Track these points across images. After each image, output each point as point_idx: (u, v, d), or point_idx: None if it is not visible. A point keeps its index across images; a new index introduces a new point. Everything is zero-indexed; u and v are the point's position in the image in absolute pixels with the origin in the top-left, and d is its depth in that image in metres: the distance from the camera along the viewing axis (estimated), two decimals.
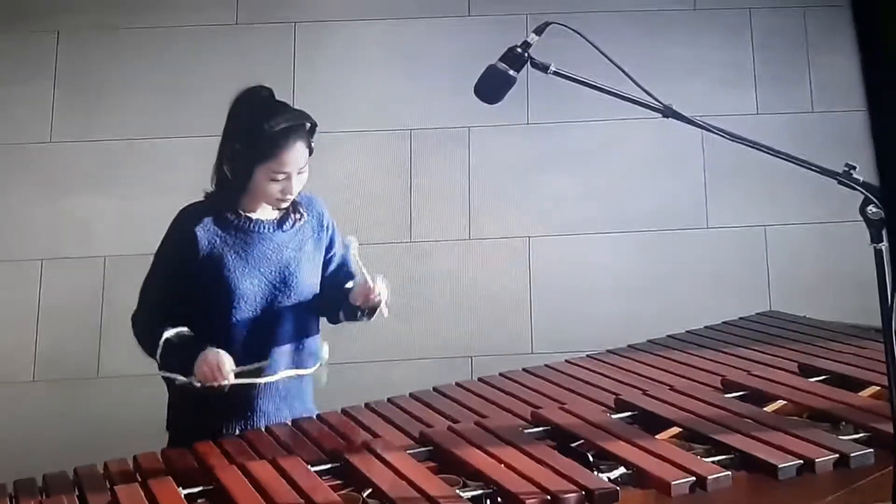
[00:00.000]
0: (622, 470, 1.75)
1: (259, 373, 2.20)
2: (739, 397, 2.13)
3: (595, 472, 1.74)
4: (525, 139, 3.69)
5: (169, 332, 2.15)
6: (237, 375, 2.14)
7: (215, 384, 2.12)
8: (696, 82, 3.72)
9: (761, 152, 1.68)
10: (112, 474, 1.97)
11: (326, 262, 2.35)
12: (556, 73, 1.73)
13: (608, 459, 1.80)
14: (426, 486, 1.71)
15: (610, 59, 1.72)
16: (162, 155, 3.51)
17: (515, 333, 3.59)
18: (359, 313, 2.30)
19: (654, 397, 2.13)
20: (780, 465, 1.71)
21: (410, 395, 2.32)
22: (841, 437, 1.84)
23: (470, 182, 3.66)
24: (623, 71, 1.68)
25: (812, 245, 3.72)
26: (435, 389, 2.35)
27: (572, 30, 1.72)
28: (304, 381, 2.30)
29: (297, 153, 2.16)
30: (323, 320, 2.36)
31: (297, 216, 2.29)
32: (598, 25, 3.65)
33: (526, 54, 1.76)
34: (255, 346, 2.21)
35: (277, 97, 2.23)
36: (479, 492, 1.70)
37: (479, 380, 2.44)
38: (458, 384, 2.40)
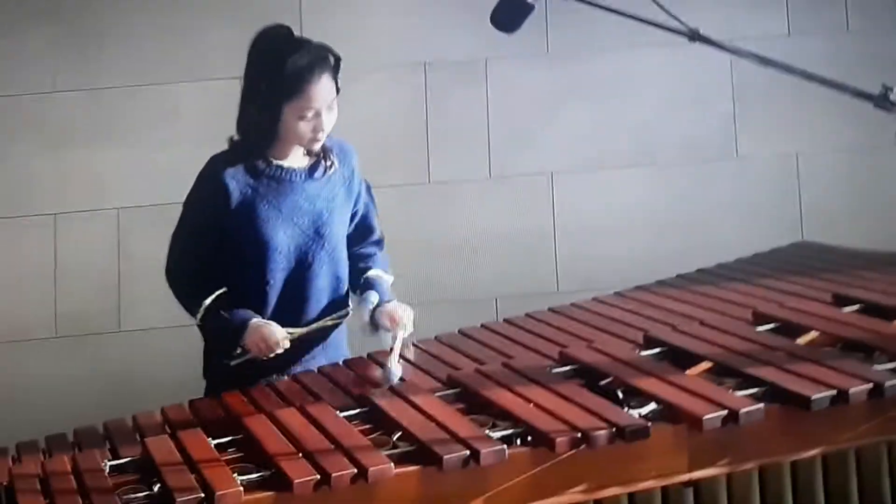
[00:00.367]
0: (652, 406, 1.82)
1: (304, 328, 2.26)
2: (771, 330, 2.19)
3: (625, 409, 1.82)
4: (545, 70, 3.70)
5: (208, 299, 2.23)
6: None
7: (271, 355, 2.20)
8: (724, 4, 3.70)
9: (793, 76, 1.70)
10: (141, 427, 2.07)
11: (351, 216, 2.39)
12: None
13: (638, 396, 1.87)
14: (456, 427, 1.78)
15: None
16: (169, 101, 3.54)
17: (540, 273, 3.64)
18: (371, 323, 2.32)
19: (683, 332, 2.20)
20: (812, 397, 1.78)
21: (436, 338, 2.39)
22: (875, 366, 1.90)
23: (489, 117, 3.68)
24: None
25: (846, 172, 3.73)
26: (461, 332, 2.42)
27: None
28: (339, 329, 2.38)
29: (324, 88, 2.19)
30: None
31: (329, 163, 2.32)
32: None
33: None
34: (290, 299, 2.28)
35: None
36: (509, 431, 1.78)
37: (505, 321, 2.51)
38: (483, 326, 2.47)
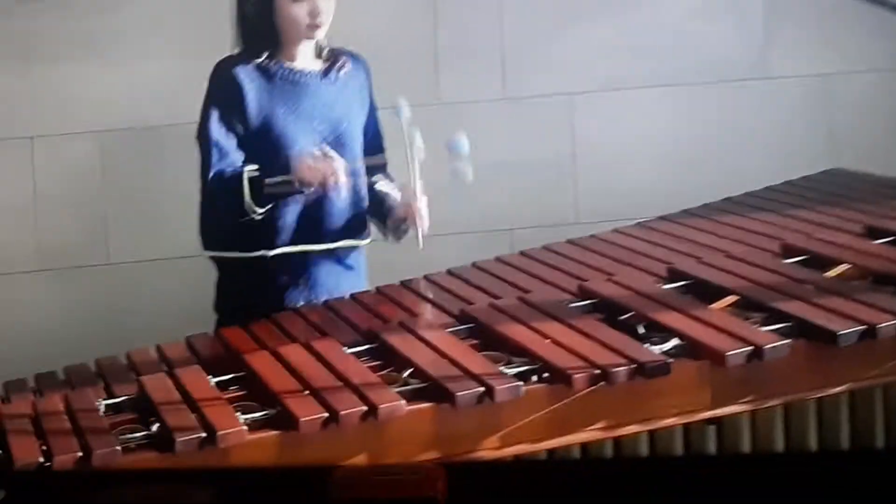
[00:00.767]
0: (675, 342, 1.90)
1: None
2: (800, 262, 2.26)
3: (645, 345, 1.90)
4: None
5: (248, 168, 2.28)
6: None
7: (332, 184, 2.26)
8: None
9: None
10: (136, 365, 2.15)
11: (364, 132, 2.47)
12: None
13: (659, 331, 1.95)
14: (469, 363, 1.87)
15: None
16: (150, 10, 3.53)
17: (559, 202, 3.67)
18: (388, 229, 2.44)
19: (708, 265, 2.28)
20: (840, 332, 1.85)
21: (448, 271, 2.47)
22: None
23: (503, 31, 3.68)
24: None
25: (885, 95, 3.74)
26: (474, 265, 2.50)
27: None
28: (360, 253, 2.47)
29: None
30: None
31: (340, 63, 2.42)
32: None
33: None
34: (311, 213, 2.37)
35: None
36: (525, 368, 1.86)
37: (521, 253, 2.59)
38: (498, 259, 2.54)
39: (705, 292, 2.14)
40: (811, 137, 3.74)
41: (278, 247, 2.38)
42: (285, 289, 2.40)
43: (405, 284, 2.42)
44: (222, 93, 2.37)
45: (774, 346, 1.85)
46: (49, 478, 1.70)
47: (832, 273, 2.18)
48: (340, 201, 2.40)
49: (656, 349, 1.89)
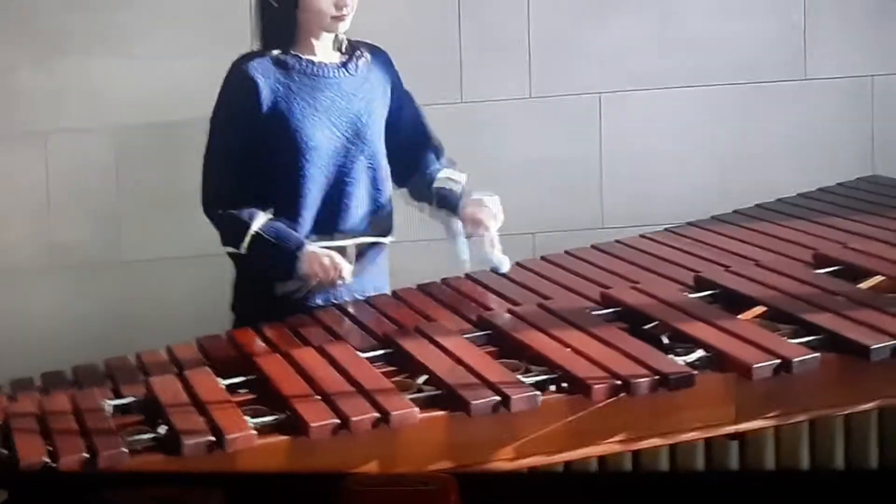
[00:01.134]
0: (700, 353, 1.90)
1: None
2: (832, 273, 2.26)
3: (669, 356, 1.91)
4: None
5: (255, 224, 2.33)
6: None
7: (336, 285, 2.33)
8: None
9: None
10: (145, 365, 2.18)
11: (395, 123, 2.49)
12: None
13: (685, 342, 1.95)
14: (486, 371, 1.88)
15: None
16: (165, 6, 3.56)
17: (584, 206, 3.67)
18: (451, 219, 2.46)
19: (737, 274, 2.28)
20: (872, 346, 1.85)
21: (466, 275, 2.48)
22: None
23: (530, 27, 3.69)
24: None
25: None
26: (493, 270, 2.51)
27: None
28: (381, 252, 2.50)
29: None
30: None
31: (359, 54, 2.45)
32: None
33: None
34: (329, 209, 2.40)
35: None
36: (544, 377, 1.87)
37: (543, 258, 2.60)
38: (518, 264, 2.54)
39: (733, 302, 2.15)
40: (849, 143, 3.72)
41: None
42: (308, 293, 2.39)
43: (422, 288, 2.44)
44: (235, 90, 2.40)
45: (803, 360, 1.85)
46: (54, 478, 1.72)
47: (866, 284, 2.18)
48: (359, 196, 2.43)
49: (680, 360, 1.89)
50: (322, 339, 2.16)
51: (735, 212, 2.82)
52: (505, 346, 2.05)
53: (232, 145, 2.41)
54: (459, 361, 1.95)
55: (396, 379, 1.95)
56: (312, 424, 1.75)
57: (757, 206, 2.87)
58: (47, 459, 1.74)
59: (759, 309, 2.09)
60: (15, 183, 3.54)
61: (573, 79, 3.67)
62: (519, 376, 1.88)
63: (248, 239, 2.35)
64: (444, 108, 3.53)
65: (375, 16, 2.49)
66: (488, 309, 2.26)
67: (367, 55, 2.47)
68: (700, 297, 2.20)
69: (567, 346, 1.97)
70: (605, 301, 2.21)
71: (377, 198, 2.47)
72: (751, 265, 2.35)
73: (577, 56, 3.66)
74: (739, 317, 2.06)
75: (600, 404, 1.81)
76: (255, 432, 1.76)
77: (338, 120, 2.41)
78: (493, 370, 1.90)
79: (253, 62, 2.40)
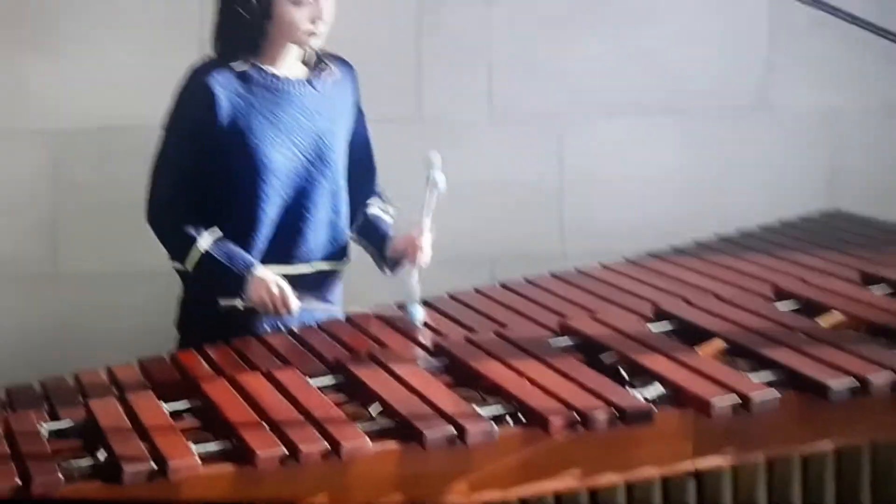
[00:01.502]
0: (658, 387, 1.94)
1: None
2: (792, 308, 2.32)
3: (628, 389, 1.94)
4: None
5: (203, 242, 2.31)
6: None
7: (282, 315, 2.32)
8: None
9: (838, 18, 1.76)
10: (84, 386, 2.16)
11: (351, 145, 2.47)
12: None
13: (643, 375, 1.99)
14: (441, 401, 1.89)
15: None
16: (107, 5, 3.51)
17: (543, 232, 3.69)
18: (383, 259, 2.47)
19: (696, 306, 2.32)
20: (831, 385, 1.90)
21: (422, 301, 2.47)
22: None
23: (492, 45, 3.71)
24: None
25: (890, 133, 3.80)
26: (450, 296, 2.53)
27: None
28: (338, 281, 2.49)
29: None
30: None
31: (327, 70, 2.41)
32: None
33: None
34: (284, 234, 2.38)
35: None
36: (500, 409, 1.88)
37: (501, 285, 2.62)
38: (476, 290, 2.57)
39: (692, 335, 2.19)
40: (810, 175, 3.78)
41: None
42: (254, 311, 2.39)
43: (375, 313, 2.45)
44: (191, 101, 2.35)
45: (763, 398, 1.89)
46: None
47: (826, 321, 2.23)
48: (317, 221, 2.41)
49: (639, 394, 1.92)
50: (270, 364, 2.16)
51: (695, 243, 2.87)
52: (461, 375, 2.07)
53: (184, 157, 2.37)
54: (413, 390, 1.96)
55: (348, 408, 1.95)
56: (259, 453, 1.75)
57: (717, 236, 2.92)
58: None
59: (718, 343, 2.13)
60: None
61: (535, 100, 3.69)
62: (475, 407, 1.89)
63: (194, 256, 2.33)
64: (400, 124, 3.54)
65: (332, 26, 2.49)
66: (444, 336, 2.28)
67: (336, 70, 2.43)
68: (659, 329, 2.24)
69: (524, 376, 1.99)
70: (564, 330, 2.24)
71: (336, 222, 2.45)
72: (710, 297, 2.39)
73: (540, 77, 3.68)
74: (698, 350, 2.10)
75: (557, 438, 1.82)
76: (199, 460, 1.76)
77: (299, 140, 2.37)
78: (449, 401, 1.91)
79: (213, 72, 2.34)
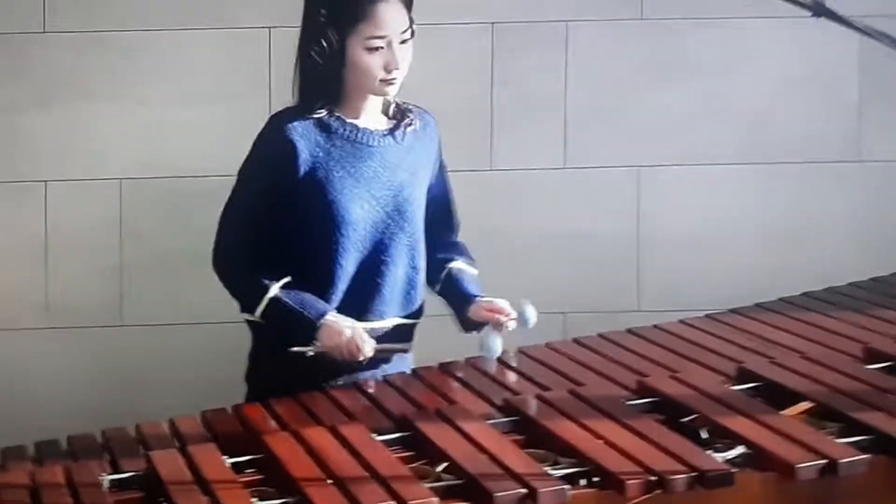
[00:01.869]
0: (740, 449, 1.91)
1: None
2: (884, 369, 2.28)
3: (708, 452, 1.92)
4: (637, 40, 3.71)
5: (274, 289, 2.33)
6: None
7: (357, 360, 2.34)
8: None
9: None
10: (146, 438, 2.20)
11: (431, 195, 2.50)
12: None
13: (725, 437, 1.97)
14: (511, 461, 1.88)
15: None
16: (184, 51, 3.56)
17: (619, 286, 3.68)
18: (463, 322, 2.49)
19: (782, 366, 2.30)
20: None
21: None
22: None
23: (566, 94, 3.72)
24: None
25: None
26: (521, 351, 2.53)
27: None
28: (411, 328, 2.50)
29: (394, 11, 2.33)
30: None
31: (408, 121, 2.44)
32: None
33: None
34: (362, 289, 2.40)
35: None
36: (573, 469, 1.88)
37: (574, 341, 2.62)
38: (548, 345, 2.57)
39: (777, 396, 2.16)
40: None
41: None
42: (326, 366, 2.40)
43: (444, 368, 2.46)
44: (271, 150, 2.38)
45: (851, 461, 1.86)
46: None
47: None
48: (395, 276, 2.43)
49: (720, 457, 1.90)
50: (336, 419, 2.18)
51: (781, 300, 2.84)
52: (532, 434, 2.07)
53: (258, 206, 2.40)
54: (482, 448, 1.96)
55: (414, 465, 1.96)
56: None
57: (804, 294, 2.88)
58: None
59: (805, 405, 2.11)
60: (11, 235, 3.56)
61: (611, 150, 3.69)
62: (547, 468, 1.89)
63: (263, 302, 2.36)
64: (472, 175, 3.56)
65: (405, 76, 2.53)
66: (515, 393, 2.28)
67: (417, 121, 2.46)
68: (742, 390, 2.22)
69: (599, 437, 1.98)
70: (641, 390, 2.23)
71: (412, 277, 2.47)
72: (797, 357, 2.36)
73: (617, 126, 3.69)
74: (783, 412, 2.08)
75: (634, 501, 1.81)
76: None
77: (379, 193, 2.39)
78: (519, 460, 1.91)
79: (294, 122, 2.37)
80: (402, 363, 2.51)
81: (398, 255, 2.44)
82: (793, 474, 1.85)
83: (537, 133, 3.70)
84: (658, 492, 1.82)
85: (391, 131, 2.44)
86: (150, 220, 3.59)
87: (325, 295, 2.39)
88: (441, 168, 2.55)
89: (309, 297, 2.37)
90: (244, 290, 2.40)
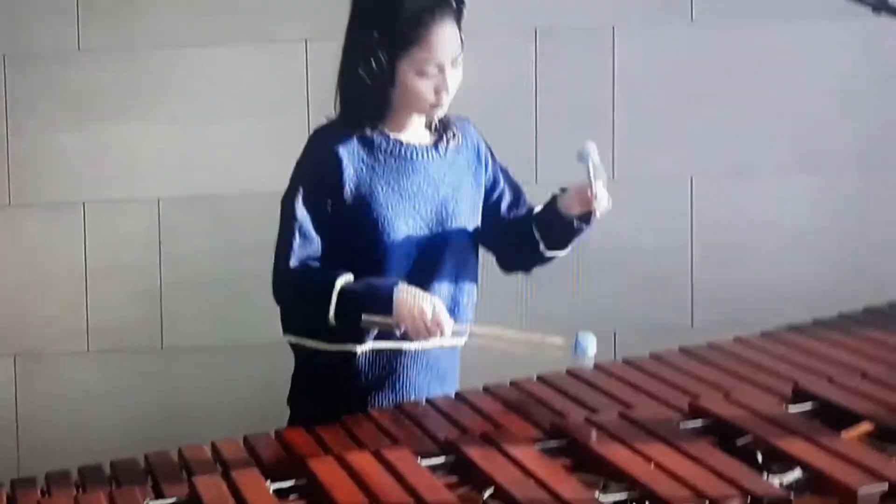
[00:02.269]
0: (798, 473, 1.91)
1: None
2: None
3: (765, 475, 1.92)
4: (687, 44, 3.72)
5: (342, 279, 2.31)
6: None
7: (432, 339, 2.32)
8: None
9: None
10: (189, 462, 2.22)
11: (496, 201, 2.55)
12: None
13: (781, 460, 1.96)
14: (559, 486, 1.89)
15: None
16: (219, 66, 3.61)
17: (671, 303, 3.69)
18: (574, 225, 2.50)
19: (841, 386, 2.28)
20: None
21: (538, 377, 2.51)
22: None
23: (614, 102, 3.73)
24: None
25: None
26: (569, 372, 2.54)
27: None
28: (455, 356, 2.53)
29: (447, 35, 2.33)
30: None
31: (451, 135, 2.47)
32: None
33: None
34: None
35: None
36: (624, 495, 1.88)
37: (624, 361, 2.62)
38: (597, 366, 2.55)
39: (836, 417, 2.15)
40: None
41: (368, 341, 2.44)
42: (370, 389, 2.45)
43: (489, 390, 2.47)
44: (317, 166, 2.40)
45: None
46: None
47: None
48: (440, 289, 2.44)
49: (776, 481, 1.90)
50: (379, 443, 2.20)
51: (840, 315, 2.83)
52: (581, 458, 2.07)
53: (309, 224, 2.40)
54: (529, 473, 1.97)
55: (460, 491, 1.97)
56: None
57: (865, 309, 2.87)
58: None
59: (866, 426, 2.10)
60: (49, 256, 3.61)
61: (662, 160, 3.69)
62: (597, 494, 1.89)
63: (334, 301, 2.31)
64: None
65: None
66: (563, 416, 2.29)
67: (459, 134, 2.49)
68: (799, 411, 2.21)
69: (651, 460, 1.98)
70: (694, 412, 2.23)
71: (456, 295, 2.49)
72: (857, 377, 2.35)
73: (667, 136, 3.69)
74: (843, 434, 2.07)
75: None
76: None
77: (422, 207, 2.43)
78: (568, 485, 1.91)
79: (338, 138, 2.39)
80: (448, 382, 2.54)
81: (441, 270, 2.46)
82: (854, 499, 1.83)
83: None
84: None
85: (435, 144, 2.47)
86: (188, 239, 3.64)
87: None
88: (489, 164, 2.57)
89: (374, 279, 2.36)
90: (311, 299, 2.38)
